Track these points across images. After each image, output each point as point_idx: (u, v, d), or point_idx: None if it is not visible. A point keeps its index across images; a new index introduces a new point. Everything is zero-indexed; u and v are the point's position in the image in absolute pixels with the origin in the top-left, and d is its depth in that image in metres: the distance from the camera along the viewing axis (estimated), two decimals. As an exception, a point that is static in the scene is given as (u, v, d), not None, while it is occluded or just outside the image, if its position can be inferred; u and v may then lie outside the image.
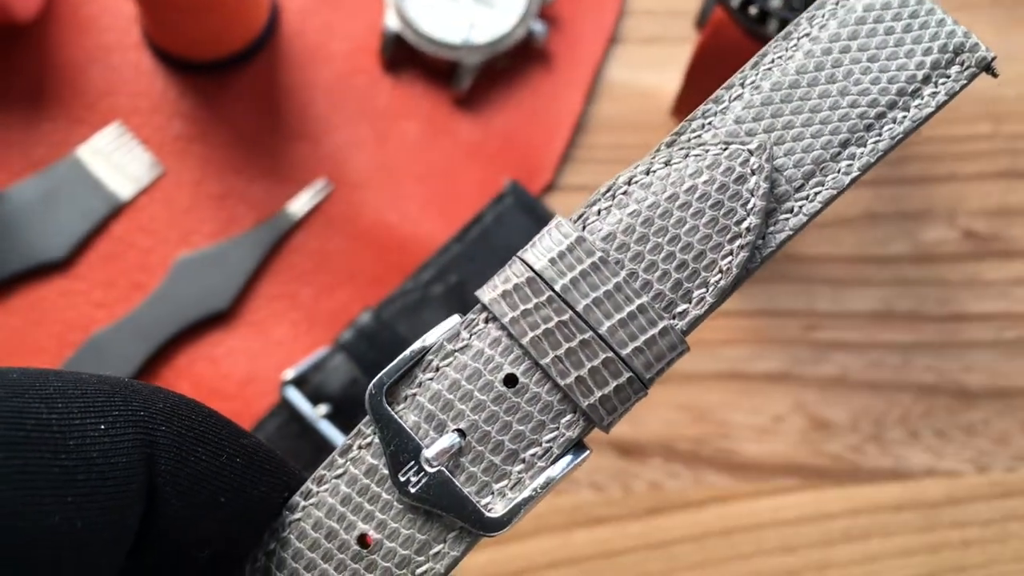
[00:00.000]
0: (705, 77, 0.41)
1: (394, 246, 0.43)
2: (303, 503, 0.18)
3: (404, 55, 0.45)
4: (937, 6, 0.19)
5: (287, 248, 0.43)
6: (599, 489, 0.41)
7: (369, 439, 0.18)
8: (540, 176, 0.45)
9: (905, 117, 0.18)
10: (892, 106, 0.18)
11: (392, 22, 0.44)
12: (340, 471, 0.18)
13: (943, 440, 0.42)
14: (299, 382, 0.40)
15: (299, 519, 0.18)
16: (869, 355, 0.43)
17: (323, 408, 0.39)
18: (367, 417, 0.18)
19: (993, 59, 0.18)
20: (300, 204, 0.43)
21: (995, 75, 0.19)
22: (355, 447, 0.18)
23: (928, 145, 0.47)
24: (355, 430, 0.18)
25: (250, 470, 0.17)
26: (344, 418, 0.39)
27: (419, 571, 0.18)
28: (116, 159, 0.43)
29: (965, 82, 0.19)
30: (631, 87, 0.47)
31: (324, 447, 0.38)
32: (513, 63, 0.46)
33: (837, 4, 0.19)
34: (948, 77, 0.18)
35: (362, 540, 0.18)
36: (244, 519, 0.17)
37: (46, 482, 0.14)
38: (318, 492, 0.18)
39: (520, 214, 0.43)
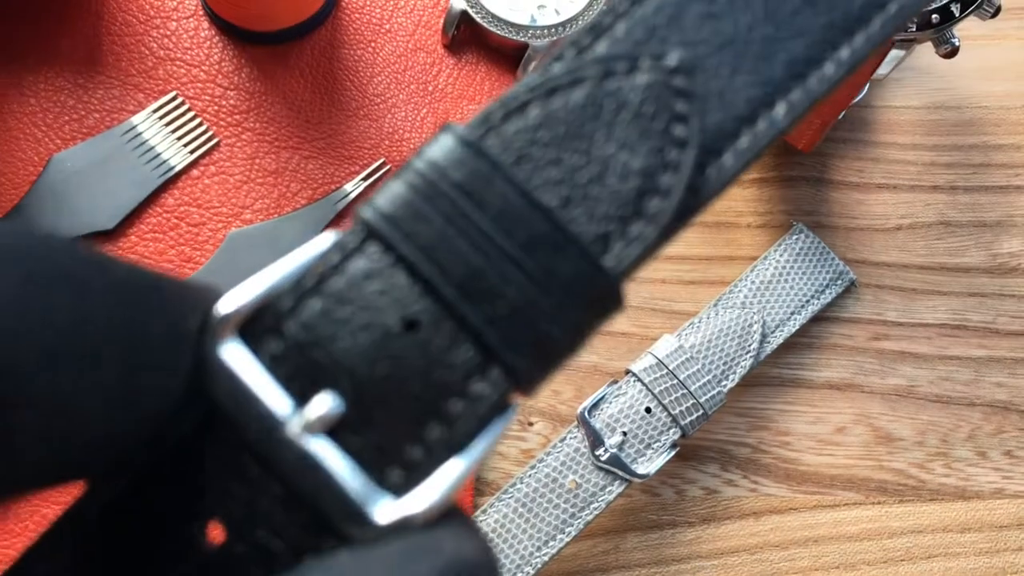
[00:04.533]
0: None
1: (450, 231, 0.42)
2: (538, 464, 0.37)
3: (469, 35, 0.44)
4: (833, 252, 0.42)
5: (342, 228, 0.42)
6: (653, 493, 0.40)
7: (575, 435, 0.37)
8: (603, 166, 0.44)
9: (822, 301, 0.41)
10: (813, 297, 0.41)
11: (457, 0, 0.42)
12: (559, 449, 0.37)
13: (1013, 461, 0.41)
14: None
15: (535, 472, 0.36)
16: (938, 369, 0.42)
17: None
18: (573, 424, 0.37)
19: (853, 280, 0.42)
20: (356, 183, 0.42)
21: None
22: (568, 438, 0.37)
23: (1012, 153, 0.45)
24: (564, 432, 0.37)
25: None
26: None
27: (600, 499, 0.36)
28: (171, 129, 0.42)
29: (841, 291, 0.42)
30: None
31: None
32: (580, 48, 0.45)
33: (783, 246, 0.42)
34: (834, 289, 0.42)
35: (570, 484, 0.36)
36: None
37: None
38: (545, 458, 0.37)
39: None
